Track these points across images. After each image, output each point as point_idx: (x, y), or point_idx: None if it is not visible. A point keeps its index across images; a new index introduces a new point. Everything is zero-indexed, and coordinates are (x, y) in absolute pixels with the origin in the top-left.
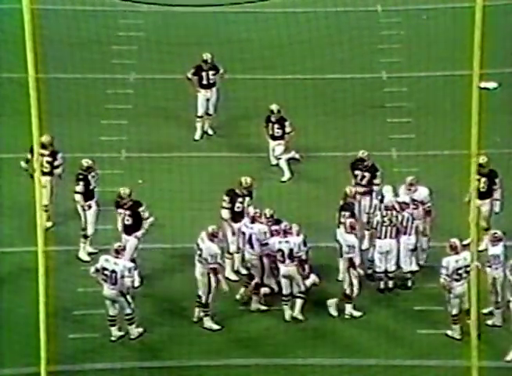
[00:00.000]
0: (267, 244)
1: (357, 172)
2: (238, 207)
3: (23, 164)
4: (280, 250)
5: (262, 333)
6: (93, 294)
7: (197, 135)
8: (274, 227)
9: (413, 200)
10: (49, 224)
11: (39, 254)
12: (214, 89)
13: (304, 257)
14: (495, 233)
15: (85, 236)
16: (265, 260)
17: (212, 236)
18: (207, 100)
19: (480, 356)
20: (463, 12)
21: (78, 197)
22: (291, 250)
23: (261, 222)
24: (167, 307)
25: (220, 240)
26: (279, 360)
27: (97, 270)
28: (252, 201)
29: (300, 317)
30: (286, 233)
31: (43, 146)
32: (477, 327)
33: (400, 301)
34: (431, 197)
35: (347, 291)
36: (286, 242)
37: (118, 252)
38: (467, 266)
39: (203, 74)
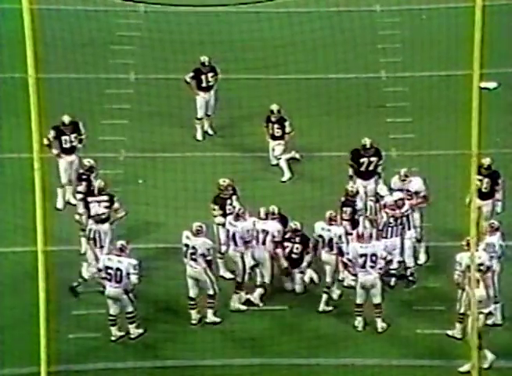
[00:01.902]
0: (250, 241)
1: (363, 160)
2: (229, 210)
3: (45, 141)
4: (321, 236)
5: (262, 333)
6: (93, 293)
7: (199, 136)
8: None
9: (407, 191)
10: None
11: (39, 254)
12: (212, 92)
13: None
14: (492, 223)
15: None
16: (246, 259)
17: (198, 232)
18: (206, 102)
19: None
20: (462, 12)
21: (80, 197)
22: (331, 239)
23: (245, 219)
24: (167, 307)
25: (205, 234)
26: (280, 360)
27: (99, 270)
28: (239, 198)
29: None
30: (331, 220)
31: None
32: (477, 327)
33: (400, 301)
34: (426, 185)
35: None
36: (328, 230)
37: (122, 250)
38: (481, 265)
39: (203, 76)
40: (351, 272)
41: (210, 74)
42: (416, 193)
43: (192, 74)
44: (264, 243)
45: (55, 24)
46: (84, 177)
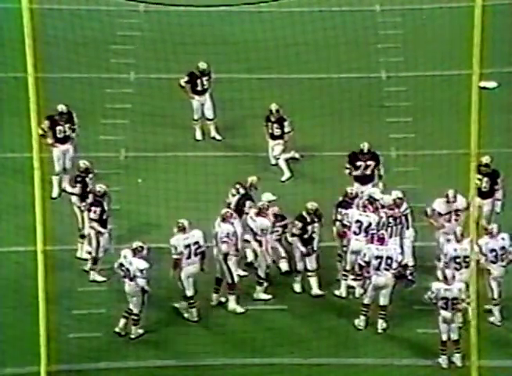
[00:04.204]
0: (229, 242)
1: (359, 163)
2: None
3: (39, 131)
4: (359, 221)
5: (262, 332)
6: (93, 293)
7: (198, 136)
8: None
9: (456, 211)
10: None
11: (38, 254)
12: (207, 95)
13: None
14: (492, 228)
15: (82, 236)
16: (233, 259)
17: (188, 227)
18: (202, 105)
19: (480, 355)
20: (462, 12)
21: (75, 199)
22: (370, 224)
23: (231, 223)
24: (167, 306)
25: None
26: (280, 360)
27: (119, 265)
28: (253, 201)
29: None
30: (365, 207)
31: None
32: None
33: (400, 301)
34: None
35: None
36: (367, 216)
37: (135, 252)
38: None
39: (198, 81)
40: (365, 275)
41: (205, 78)
42: (465, 209)
43: (187, 79)
44: (255, 239)
45: (55, 24)
46: (79, 179)
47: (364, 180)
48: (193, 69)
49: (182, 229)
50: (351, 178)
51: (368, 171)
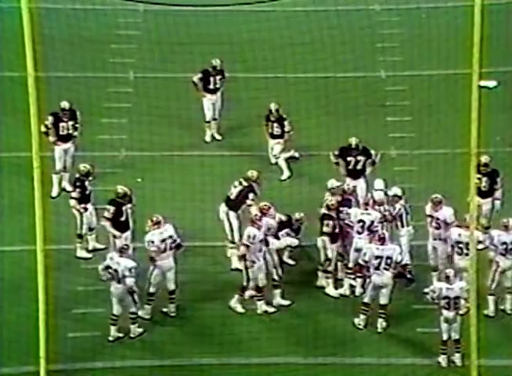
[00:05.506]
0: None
1: (350, 158)
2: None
3: (43, 128)
4: (362, 220)
5: (262, 332)
6: (92, 292)
7: (208, 138)
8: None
9: (437, 219)
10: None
11: (38, 254)
12: (219, 94)
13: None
14: (508, 221)
15: (80, 236)
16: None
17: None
18: (213, 105)
19: (479, 354)
20: (462, 11)
21: (73, 202)
22: (372, 222)
23: (258, 227)
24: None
25: None
26: (278, 359)
27: (106, 268)
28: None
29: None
30: (367, 204)
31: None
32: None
33: (400, 300)
34: (455, 215)
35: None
36: (368, 214)
37: (121, 251)
38: (468, 244)
39: (211, 78)
40: (365, 274)
41: (218, 77)
42: (445, 222)
43: (200, 76)
44: (260, 240)
45: (54, 23)
46: (78, 184)
47: (355, 175)
48: (207, 66)
49: (157, 223)
50: (341, 172)
51: (359, 166)
